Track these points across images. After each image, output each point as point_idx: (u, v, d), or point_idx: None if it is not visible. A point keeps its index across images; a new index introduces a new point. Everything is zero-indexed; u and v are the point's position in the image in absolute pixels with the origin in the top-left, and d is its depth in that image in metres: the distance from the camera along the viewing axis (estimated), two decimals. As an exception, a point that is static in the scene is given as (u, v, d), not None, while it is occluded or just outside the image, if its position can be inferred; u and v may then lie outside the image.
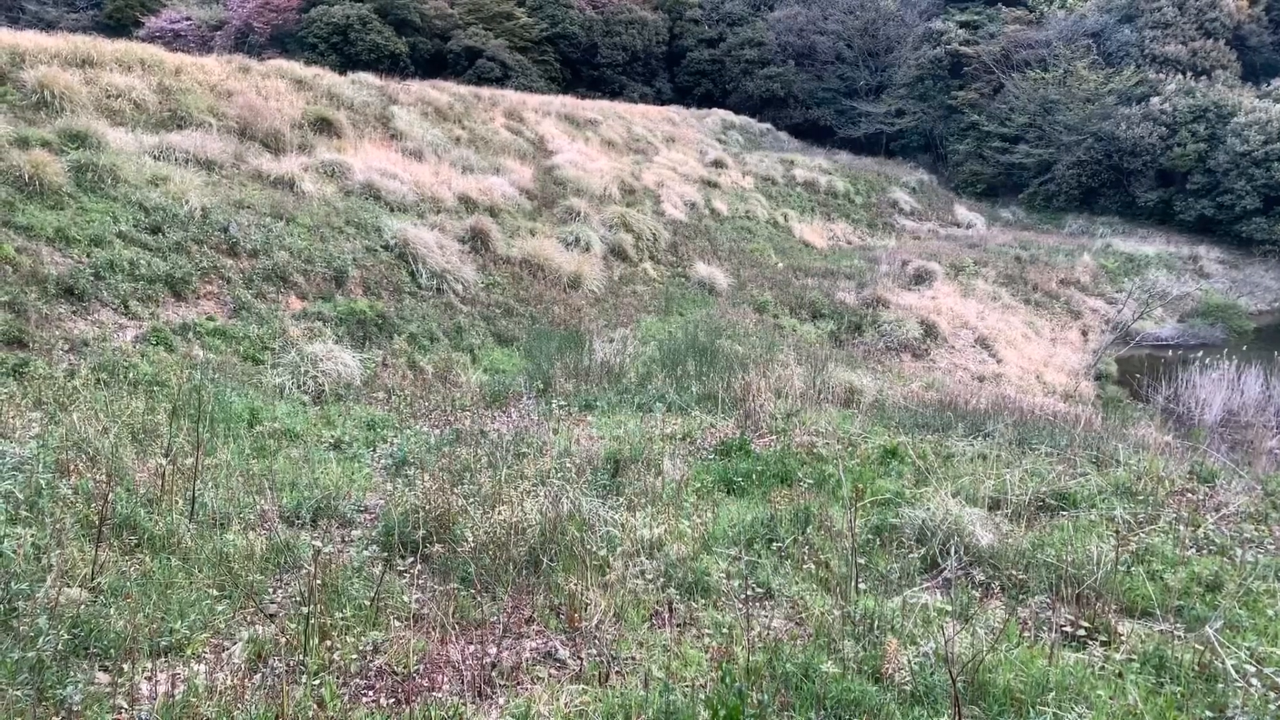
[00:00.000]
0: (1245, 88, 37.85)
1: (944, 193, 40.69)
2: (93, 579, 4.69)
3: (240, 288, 11.15)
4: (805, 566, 5.57)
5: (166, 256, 10.75)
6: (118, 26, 39.44)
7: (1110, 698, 4.03)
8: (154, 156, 13.08)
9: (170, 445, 6.38)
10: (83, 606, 4.39)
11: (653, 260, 20.25)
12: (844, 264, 24.64)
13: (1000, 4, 45.48)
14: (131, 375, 8.35)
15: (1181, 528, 6.32)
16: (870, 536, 6.07)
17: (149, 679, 3.97)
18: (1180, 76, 37.77)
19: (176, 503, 5.74)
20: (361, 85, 21.35)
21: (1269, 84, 37.73)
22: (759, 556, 5.65)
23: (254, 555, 5.31)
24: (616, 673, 4.31)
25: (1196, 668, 4.37)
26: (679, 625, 4.83)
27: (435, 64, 41.39)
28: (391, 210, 15.61)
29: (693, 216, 25.02)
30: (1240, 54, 40.21)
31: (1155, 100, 36.83)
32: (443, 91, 24.49)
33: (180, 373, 8.66)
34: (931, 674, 4.18)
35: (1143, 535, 6.15)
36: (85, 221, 10.49)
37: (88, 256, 9.98)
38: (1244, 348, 18.16)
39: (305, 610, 4.35)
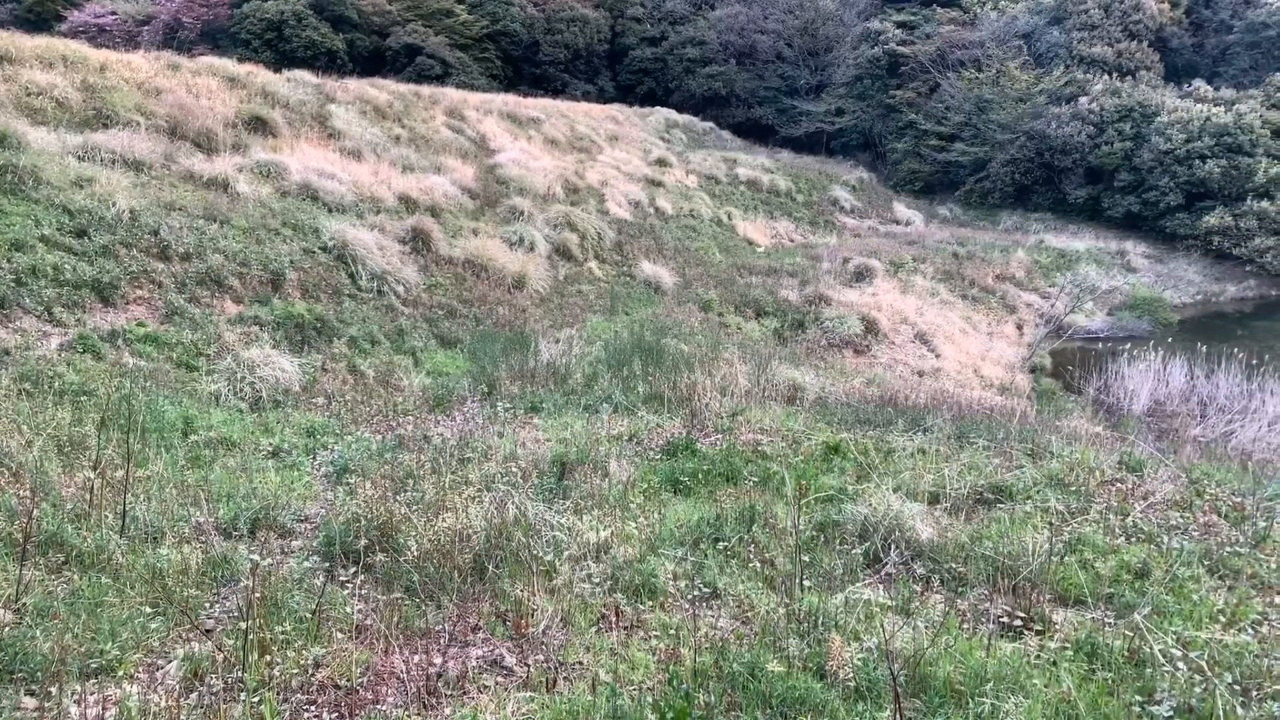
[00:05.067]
0: (1168, 88, 39.27)
1: (883, 190, 41.40)
2: (17, 599, 4.52)
3: (172, 292, 10.83)
4: (751, 565, 5.62)
5: (93, 261, 10.39)
6: (38, 21, 37.93)
7: (1045, 686, 4.15)
8: (78, 157, 12.63)
9: (99, 457, 6.16)
10: (7, 628, 4.22)
11: (598, 259, 20.22)
12: (787, 262, 24.91)
13: (936, 5, 46.44)
14: (57, 385, 8.04)
15: (1111, 517, 6.53)
16: (814, 533, 6.14)
17: (78, 703, 3.83)
18: (1107, 77, 39.05)
19: (106, 517, 5.55)
20: (297, 83, 20.89)
21: (1190, 85, 39.21)
22: (705, 556, 5.68)
23: (189, 570, 5.17)
24: (564, 678, 4.30)
25: (1126, 654, 4.52)
26: (626, 628, 4.84)
27: (374, 61, 40.70)
28: (330, 211, 15.31)
29: (638, 215, 25.04)
30: (1163, 55, 41.74)
31: (1083, 100, 38.01)
32: (382, 90, 24.09)
33: (109, 381, 8.38)
34: (874, 669, 4.25)
35: (1075, 525, 6.34)
36: (5, 225, 10.08)
37: (8, 262, 9.59)
38: (1169, 339, 18.85)
39: (243, 625, 4.24)
